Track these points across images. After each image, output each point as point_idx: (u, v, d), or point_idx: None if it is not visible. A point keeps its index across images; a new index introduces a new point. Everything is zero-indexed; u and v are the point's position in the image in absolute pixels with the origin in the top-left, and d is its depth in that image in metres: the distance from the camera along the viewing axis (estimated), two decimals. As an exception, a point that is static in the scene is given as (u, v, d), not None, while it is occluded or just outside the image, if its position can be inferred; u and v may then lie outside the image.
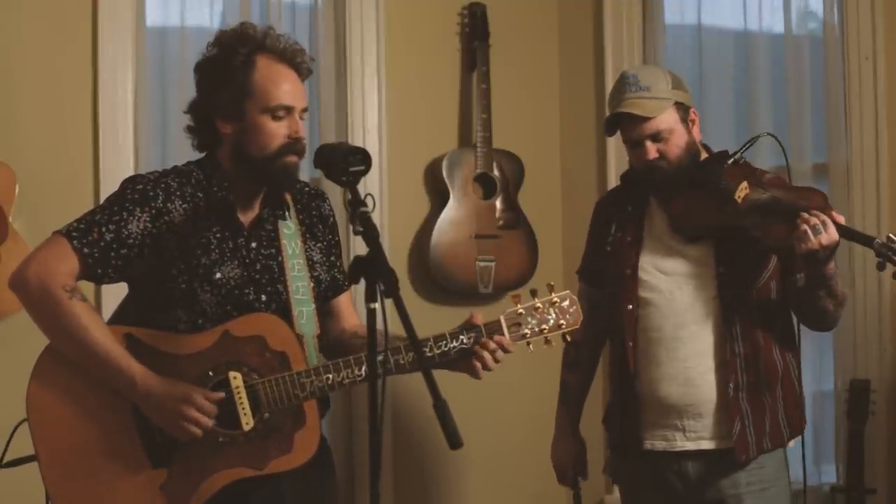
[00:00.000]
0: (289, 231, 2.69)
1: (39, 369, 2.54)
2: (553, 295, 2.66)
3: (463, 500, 4.28)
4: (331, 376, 2.54)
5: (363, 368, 2.54)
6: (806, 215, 2.76)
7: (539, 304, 2.65)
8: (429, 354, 2.56)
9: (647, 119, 2.99)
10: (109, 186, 3.56)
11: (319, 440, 2.57)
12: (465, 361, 2.62)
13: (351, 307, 2.85)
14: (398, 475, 4.12)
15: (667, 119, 3.01)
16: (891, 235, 2.76)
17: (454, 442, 2.03)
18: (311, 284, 2.69)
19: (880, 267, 2.78)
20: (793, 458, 3.11)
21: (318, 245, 2.76)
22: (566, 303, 2.67)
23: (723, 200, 2.94)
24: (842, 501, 3.61)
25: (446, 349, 2.59)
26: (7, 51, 3.62)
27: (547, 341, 2.67)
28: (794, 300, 2.99)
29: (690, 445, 3.02)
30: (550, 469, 3.34)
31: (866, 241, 2.80)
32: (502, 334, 2.62)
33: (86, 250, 2.51)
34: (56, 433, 2.51)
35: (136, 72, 3.80)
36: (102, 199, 2.54)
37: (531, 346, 2.67)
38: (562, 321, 2.66)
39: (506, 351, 2.62)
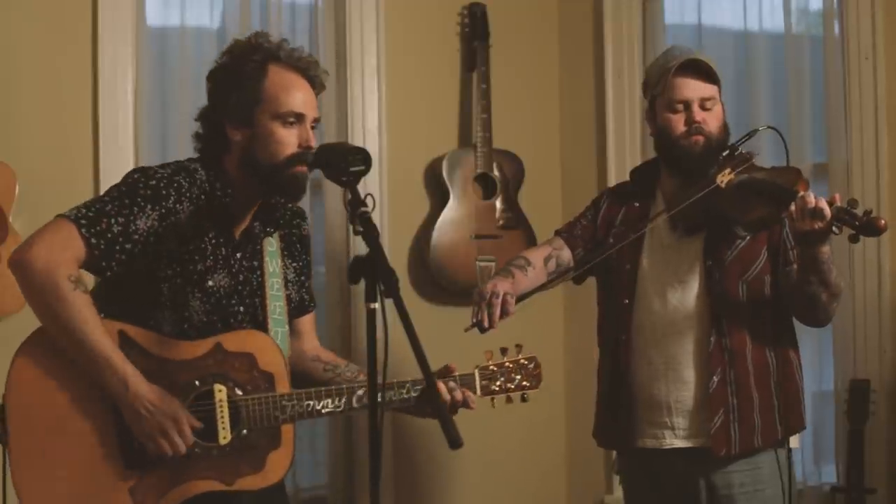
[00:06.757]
0: (271, 248, 2.70)
1: (27, 348, 2.49)
2: (521, 357, 2.81)
3: (462, 501, 4.28)
4: (311, 403, 2.56)
5: (342, 400, 2.59)
6: (804, 195, 2.75)
7: (509, 364, 2.80)
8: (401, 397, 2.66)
9: (707, 79, 3.00)
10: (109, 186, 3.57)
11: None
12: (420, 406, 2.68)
13: (313, 329, 2.88)
14: (398, 475, 4.12)
15: (716, 90, 3.04)
16: (852, 200, 2.75)
17: (454, 442, 2.03)
18: (286, 305, 2.70)
19: (838, 230, 2.75)
20: (798, 457, 3.10)
21: (294, 265, 2.78)
22: (531, 365, 2.83)
23: (709, 188, 2.96)
24: (842, 501, 3.61)
25: (407, 396, 2.66)
26: (7, 51, 3.62)
27: (509, 399, 2.80)
28: (787, 290, 2.98)
29: (679, 443, 3.01)
30: (549, 470, 3.34)
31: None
32: (474, 388, 2.73)
33: (93, 240, 2.46)
34: (32, 414, 2.46)
35: (136, 72, 3.80)
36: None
37: (494, 402, 2.78)
38: (525, 383, 2.82)
39: (468, 407, 2.71)
